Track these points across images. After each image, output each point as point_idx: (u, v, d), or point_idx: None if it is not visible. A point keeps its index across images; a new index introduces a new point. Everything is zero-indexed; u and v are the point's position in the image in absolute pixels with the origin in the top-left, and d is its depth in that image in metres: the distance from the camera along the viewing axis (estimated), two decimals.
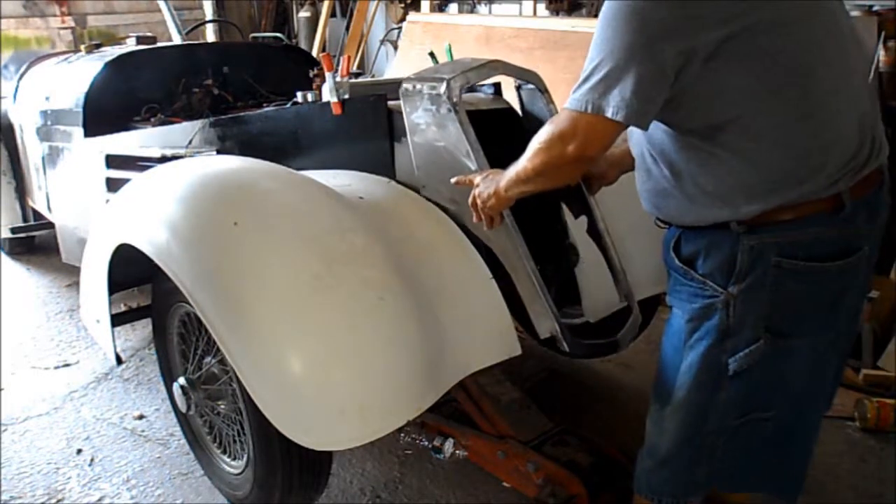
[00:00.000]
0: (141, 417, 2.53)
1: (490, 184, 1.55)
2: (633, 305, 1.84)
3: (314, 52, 5.54)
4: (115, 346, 1.96)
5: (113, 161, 2.79)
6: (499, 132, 1.91)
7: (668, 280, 1.42)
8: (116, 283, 1.92)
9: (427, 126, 1.77)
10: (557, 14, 4.77)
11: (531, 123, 1.94)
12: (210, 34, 6.39)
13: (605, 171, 1.75)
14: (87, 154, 2.93)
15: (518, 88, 2.00)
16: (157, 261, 1.62)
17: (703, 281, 1.30)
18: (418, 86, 1.77)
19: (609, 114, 1.17)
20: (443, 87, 1.71)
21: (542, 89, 1.92)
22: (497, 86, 2.08)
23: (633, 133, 1.40)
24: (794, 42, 1.17)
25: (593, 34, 1.21)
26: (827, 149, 1.20)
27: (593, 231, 1.86)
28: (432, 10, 5.39)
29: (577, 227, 1.85)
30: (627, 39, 1.14)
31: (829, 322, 1.31)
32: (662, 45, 1.13)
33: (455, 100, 1.70)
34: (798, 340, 1.28)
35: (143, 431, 2.45)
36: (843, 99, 1.22)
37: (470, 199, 1.63)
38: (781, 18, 1.16)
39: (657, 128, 1.29)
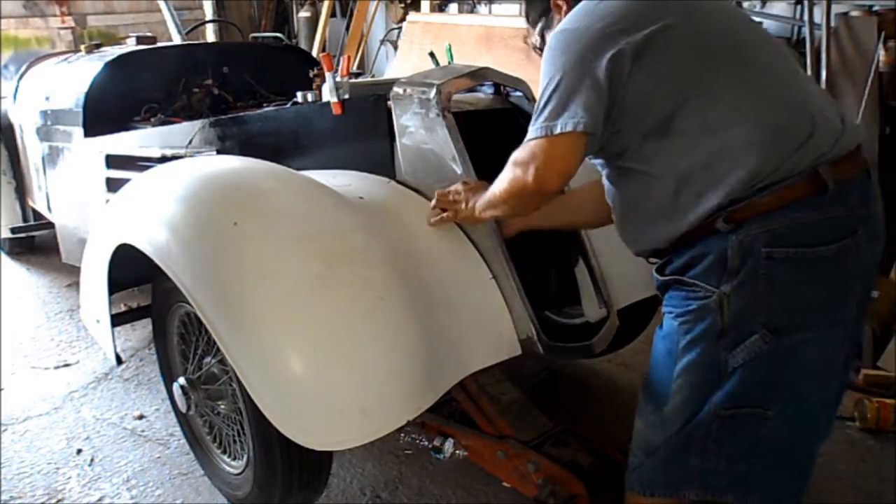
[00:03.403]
0: (141, 417, 2.53)
1: (470, 200, 1.62)
2: (611, 312, 1.86)
3: (314, 52, 5.54)
4: (115, 346, 1.96)
5: (113, 161, 2.79)
6: (498, 132, 1.91)
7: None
8: (116, 283, 1.92)
9: (416, 129, 1.80)
10: None
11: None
12: (210, 34, 6.38)
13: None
14: (87, 154, 2.93)
15: (506, 96, 2.01)
16: (157, 261, 1.62)
17: (694, 284, 1.30)
18: (409, 90, 1.80)
19: (558, 130, 1.27)
20: (433, 93, 1.73)
21: (530, 97, 1.95)
22: (497, 86, 2.08)
23: (605, 183, 1.47)
24: (715, 26, 1.31)
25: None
26: (778, 112, 1.25)
27: (575, 238, 1.87)
28: (432, 10, 5.39)
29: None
30: (562, 66, 1.28)
31: (837, 317, 1.30)
32: (591, 58, 1.25)
33: (444, 105, 1.73)
34: (802, 335, 1.26)
35: (143, 431, 2.45)
36: (780, 72, 1.31)
37: (441, 202, 1.70)
38: (695, 13, 1.31)
39: (617, 157, 1.37)
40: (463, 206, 1.64)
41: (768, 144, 1.23)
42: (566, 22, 1.33)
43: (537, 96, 1.33)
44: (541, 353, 1.72)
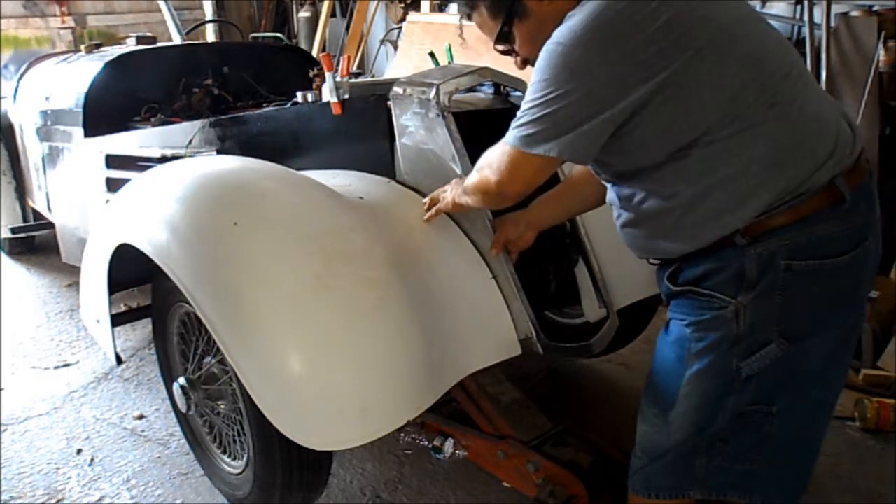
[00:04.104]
0: (141, 417, 2.53)
1: (454, 189, 1.64)
2: (611, 312, 1.86)
3: (314, 52, 5.54)
4: (115, 346, 1.96)
5: (113, 161, 2.79)
6: (498, 132, 1.91)
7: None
8: (116, 283, 1.92)
9: (416, 129, 1.80)
10: None
11: None
12: (210, 34, 6.38)
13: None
14: (87, 154, 2.93)
15: (507, 96, 2.02)
16: (157, 261, 1.62)
17: (709, 294, 1.28)
18: (409, 90, 1.80)
19: (541, 152, 1.24)
20: (432, 93, 1.73)
21: None
22: (497, 86, 2.08)
23: (610, 194, 1.43)
24: (739, 42, 1.22)
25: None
26: (800, 133, 1.22)
27: (575, 238, 1.87)
28: (432, 10, 5.38)
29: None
30: (566, 94, 1.19)
31: (846, 318, 1.31)
32: (600, 99, 1.18)
33: (444, 105, 1.73)
34: (815, 339, 1.27)
35: (143, 431, 2.45)
36: (800, 83, 1.26)
37: (433, 201, 1.72)
38: (719, 32, 1.20)
39: (629, 177, 1.32)
40: (447, 194, 1.66)
41: (790, 165, 1.21)
42: (569, 36, 1.19)
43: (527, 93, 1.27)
44: (540, 353, 1.72)
